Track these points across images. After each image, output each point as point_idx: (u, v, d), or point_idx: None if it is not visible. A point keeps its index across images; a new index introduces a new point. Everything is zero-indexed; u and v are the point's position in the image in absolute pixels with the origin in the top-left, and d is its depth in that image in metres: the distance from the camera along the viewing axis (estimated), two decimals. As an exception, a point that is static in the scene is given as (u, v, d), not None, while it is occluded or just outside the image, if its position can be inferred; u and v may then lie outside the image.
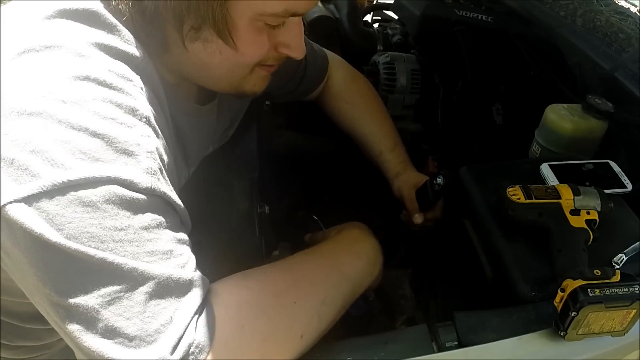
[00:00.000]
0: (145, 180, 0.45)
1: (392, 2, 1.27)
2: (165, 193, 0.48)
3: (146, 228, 0.45)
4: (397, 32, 1.28)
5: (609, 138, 0.84)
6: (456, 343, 0.54)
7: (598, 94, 0.85)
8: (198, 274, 0.49)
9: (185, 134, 0.65)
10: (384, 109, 0.99)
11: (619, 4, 1.08)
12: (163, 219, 0.47)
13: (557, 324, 0.52)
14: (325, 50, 0.97)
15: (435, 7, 1.11)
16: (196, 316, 0.47)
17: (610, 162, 0.75)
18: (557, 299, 0.52)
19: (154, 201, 0.47)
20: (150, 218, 0.46)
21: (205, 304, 0.49)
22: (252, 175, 0.83)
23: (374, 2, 1.48)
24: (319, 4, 1.27)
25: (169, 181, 0.50)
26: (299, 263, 0.60)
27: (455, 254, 0.65)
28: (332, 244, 0.67)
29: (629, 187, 0.72)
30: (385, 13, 1.49)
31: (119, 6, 0.51)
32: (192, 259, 0.50)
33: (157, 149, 0.49)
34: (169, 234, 0.47)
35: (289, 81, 0.90)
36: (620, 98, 0.84)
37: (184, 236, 0.50)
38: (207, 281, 0.51)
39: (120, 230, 0.43)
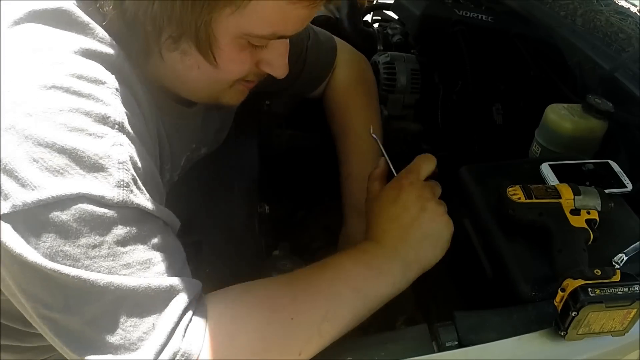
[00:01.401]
0: (116, 195, 0.44)
1: (392, 2, 1.27)
2: (139, 204, 0.46)
3: (120, 242, 0.45)
4: (397, 32, 1.27)
5: (609, 138, 0.84)
6: (456, 343, 0.54)
7: (598, 94, 0.85)
8: (181, 279, 0.48)
9: (168, 135, 0.62)
10: (376, 124, 0.86)
11: (619, 4, 1.08)
12: (138, 230, 0.46)
13: (558, 324, 0.52)
14: (336, 40, 0.89)
15: (435, 7, 1.10)
16: (184, 322, 0.47)
17: (610, 162, 0.75)
18: (558, 298, 0.52)
19: (128, 213, 0.46)
20: (124, 231, 0.45)
21: (195, 310, 0.49)
22: (252, 175, 0.83)
23: (374, 2, 1.47)
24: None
25: (144, 190, 0.48)
26: (302, 277, 0.57)
27: (455, 253, 0.64)
28: (342, 256, 0.60)
29: (629, 187, 0.72)
30: (385, 13, 1.48)
31: (103, 7, 0.49)
32: (175, 264, 0.49)
33: (130, 158, 0.47)
34: (146, 244, 0.47)
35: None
36: (620, 98, 0.84)
37: (165, 241, 0.49)
38: (197, 283, 0.50)
39: (94, 247, 0.43)
